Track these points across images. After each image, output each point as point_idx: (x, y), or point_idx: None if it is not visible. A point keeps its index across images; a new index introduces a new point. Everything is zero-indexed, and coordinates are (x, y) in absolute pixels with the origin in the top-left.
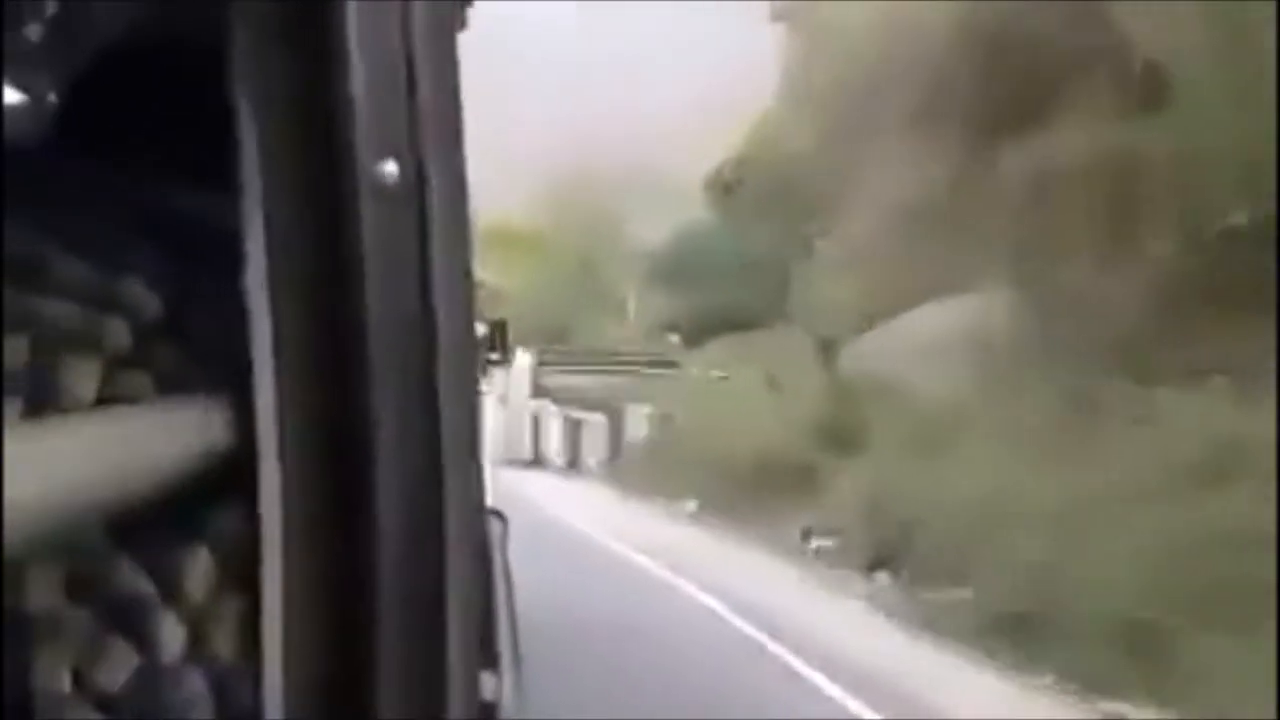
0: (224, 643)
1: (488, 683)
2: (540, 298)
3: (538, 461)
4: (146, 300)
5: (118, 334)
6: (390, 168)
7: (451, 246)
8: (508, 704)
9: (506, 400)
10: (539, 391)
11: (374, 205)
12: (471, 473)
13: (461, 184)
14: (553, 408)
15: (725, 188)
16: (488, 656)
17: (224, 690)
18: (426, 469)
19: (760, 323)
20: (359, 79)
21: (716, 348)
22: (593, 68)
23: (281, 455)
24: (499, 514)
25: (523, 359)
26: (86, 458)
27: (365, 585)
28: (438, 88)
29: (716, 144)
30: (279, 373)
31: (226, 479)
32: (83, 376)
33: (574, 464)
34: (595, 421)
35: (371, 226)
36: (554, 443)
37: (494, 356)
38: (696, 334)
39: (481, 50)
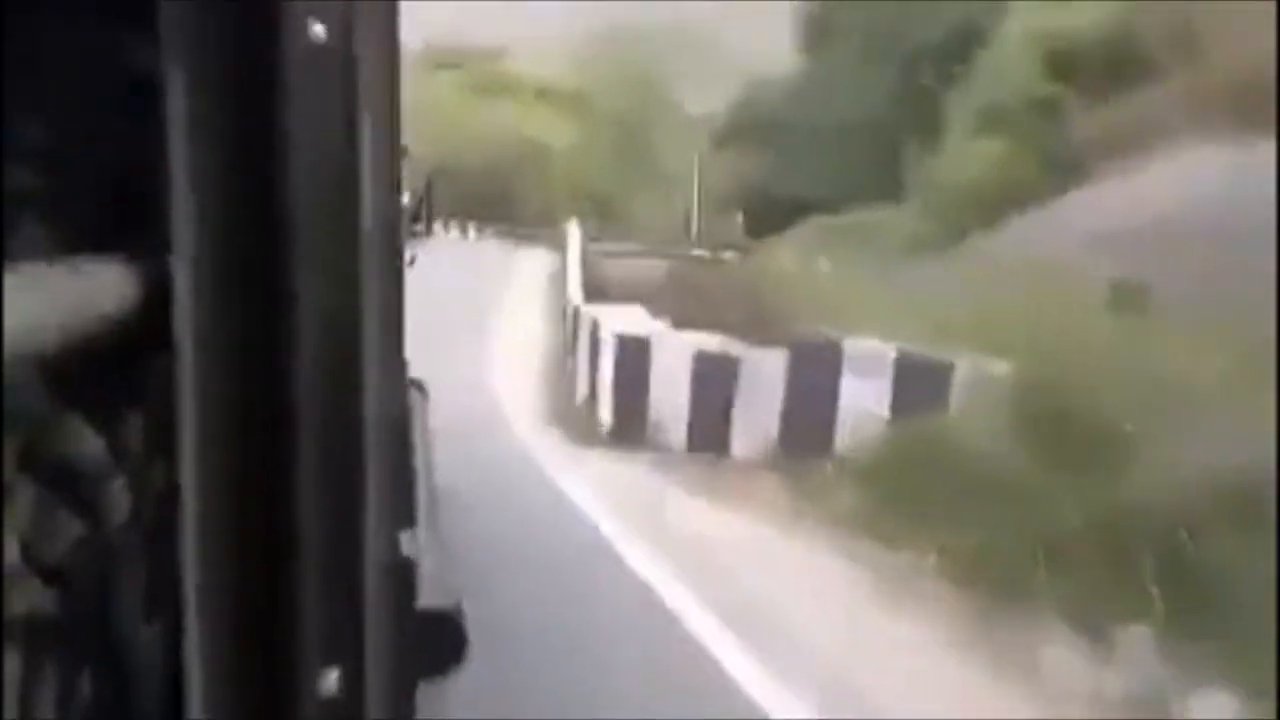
0: (153, 506)
1: (405, 540)
2: (582, 164)
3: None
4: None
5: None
6: (318, 29)
7: (379, 110)
8: (424, 561)
9: (538, 295)
10: (593, 289)
11: (301, 66)
12: (393, 340)
13: (393, 49)
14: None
15: (818, 32)
16: (406, 516)
17: (151, 554)
18: (347, 335)
19: (856, 203)
20: None
21: (803, 234)
22: None
23: (196, 321)
24: (419, 384)
25: (571, 236)
26: (29, 308)
27: (283, 440)
28: None
29: None
30: (199, 233)
31: (163, 333)
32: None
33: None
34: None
35: (298, 87)
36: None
37: (417, 227)
38: (773, 216)
39: None
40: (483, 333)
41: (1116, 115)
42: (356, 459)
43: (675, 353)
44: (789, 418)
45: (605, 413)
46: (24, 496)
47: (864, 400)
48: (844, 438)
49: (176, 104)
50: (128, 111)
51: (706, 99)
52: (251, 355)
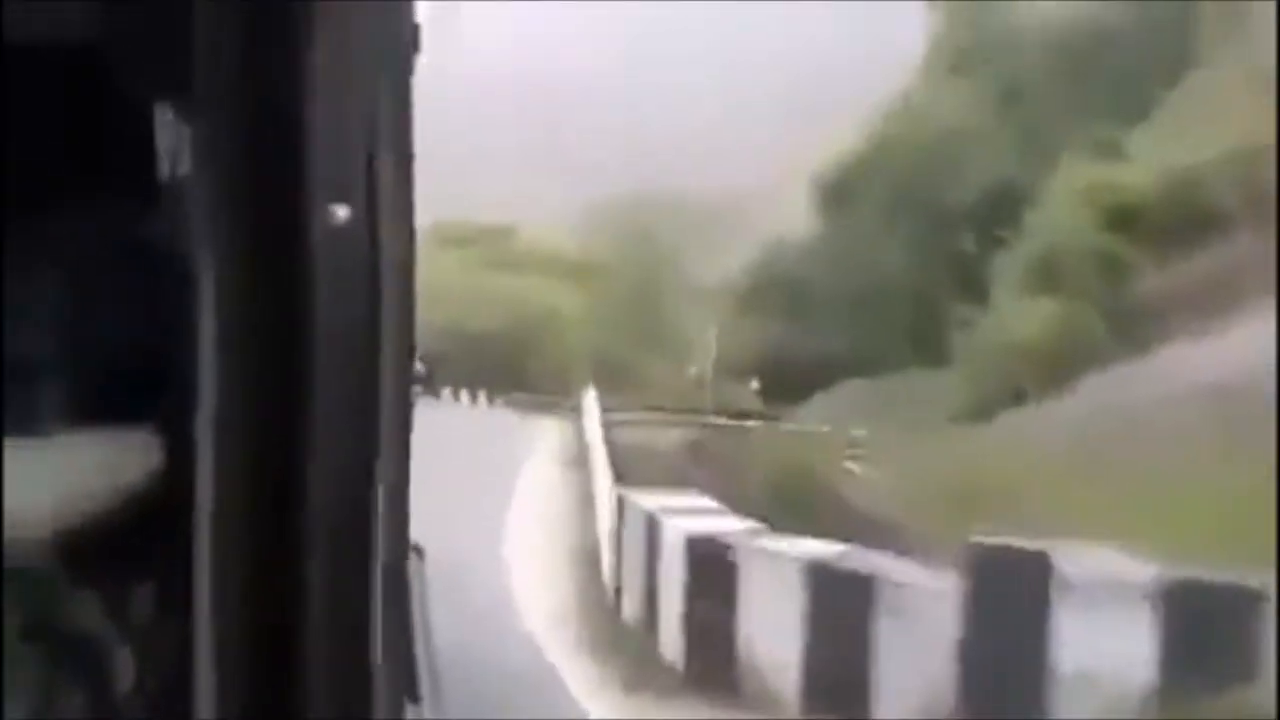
0: (163, 669)
1: (410, 713)
2: (592, 332)
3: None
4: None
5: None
6: (342, 211)
7: (397, 285)
8: None
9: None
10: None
11: (325, 244)
12: (400, 513)
13: (409, 227)
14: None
15: (837, 194)
16: (410, 690)
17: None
18: (358, 507)
19: (890, 368)
20: (317, 130)
21: (828, 401)
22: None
23: (217, 495)
24: (417, 549)
25: (589, 404)
26: (38, 485)
27: (295, 617)
28: (392, 140)
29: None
30: (224, 400)
31: (171, 506)
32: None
33: None
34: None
35: (322, 265)
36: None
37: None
38: (793, 382)
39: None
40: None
41: (1187, 273)
42: (364, 629)
43: (774, 564)
44: (969, 668)
45: (671, 643)
46: (32, 664)
47: (1101, 647)
48: (1069, 706)
49: (206, 282)
50: (157, 288)
51: (718, 265)
52: (268, 519)
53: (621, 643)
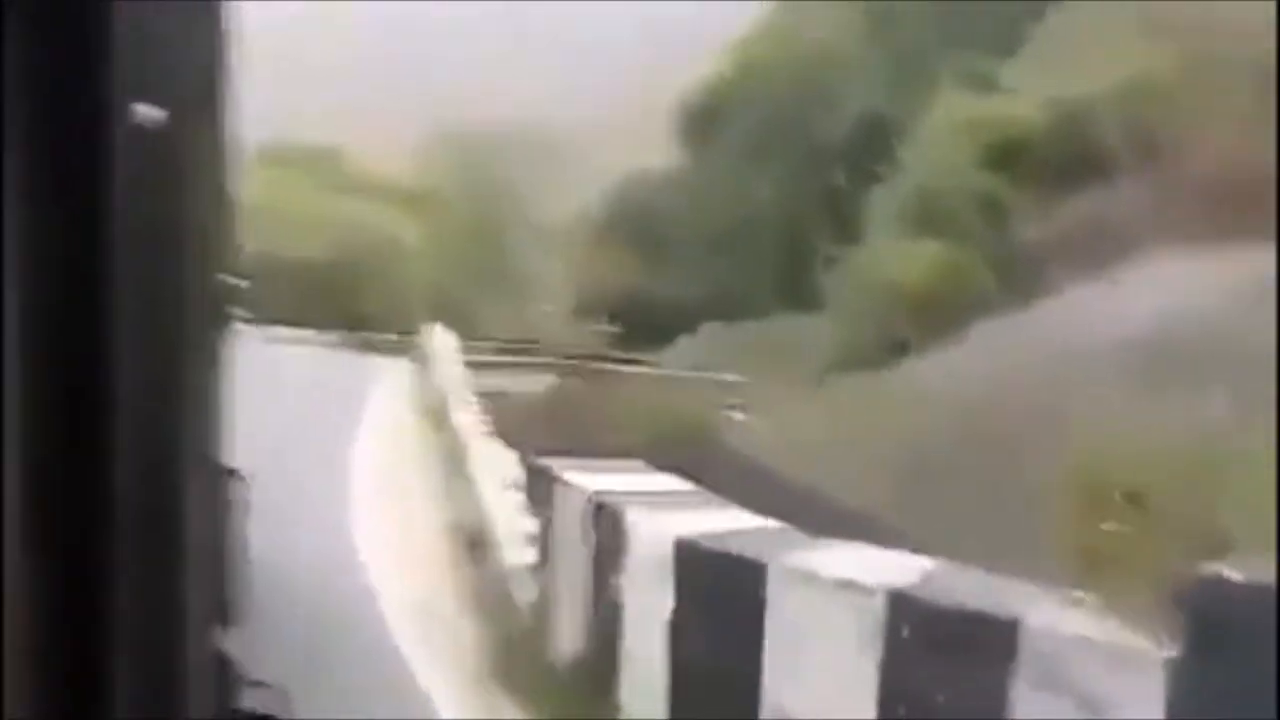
0: None
1: (224, 638)
2: (434, 268)
3: None
4: None
5: None
6: (147, 111)
7: (207, 193)
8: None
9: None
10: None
11: (129, 144)
12: (211, 432)
13: (223, 133)
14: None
15: (699, 124)
16: (225, 613)
17: None
18: (166, 429)
19: (758, 311)
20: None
21: (692, 346)
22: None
23: (22, 392)
24: (238, 473)
25: (440, 345)
26: None
27: (102, 540)
28: (207, 42)
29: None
30: (24, 306)
31: None
32: None
33: None
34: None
35: (127, 165)
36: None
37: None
38: (653, 324)
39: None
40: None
41: (1071, 216)
42: (176, 550)
43: (824, 597)
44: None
45: (636, 699)
46: None
47: None
48: None
49: (9, 182)
50: None
51: (572, 200)
52: (71, 421)
53: (546, 690)
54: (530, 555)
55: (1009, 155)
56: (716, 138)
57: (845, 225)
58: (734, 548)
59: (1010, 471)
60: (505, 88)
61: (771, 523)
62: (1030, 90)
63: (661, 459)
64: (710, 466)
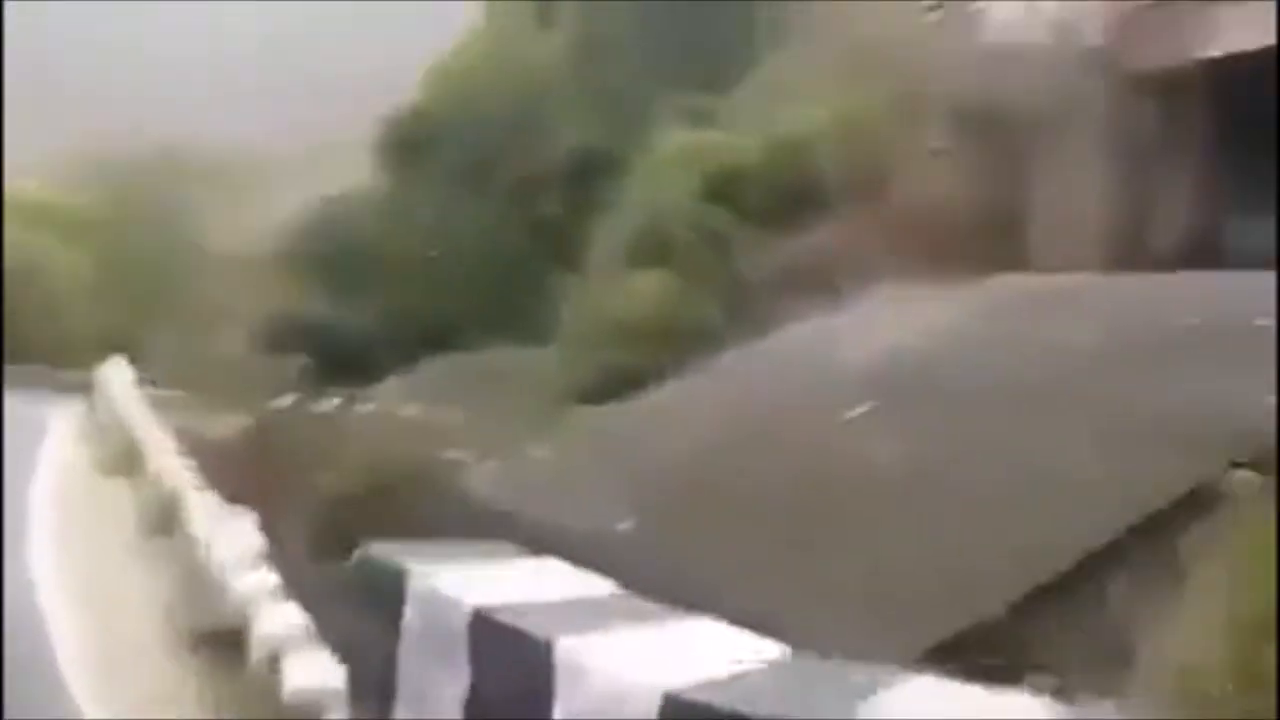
0: None
1: None
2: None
3: None
4: None
5: None
6: None
7: None
8: None
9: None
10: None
11: None
12: None
13: None
14: None
15: (401, 149)
16: None
17: None
18: None
19: (474, 344)
20: None
21: (405, 382)
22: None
23: None
24: None
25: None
26: None
27: None
28: None
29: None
30: None
31: None
32: None
33: None
34: None
35: None
36: None
37: None
38: (357, 362)
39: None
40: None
41: (793, 251)
42: None
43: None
44: None
45: None
46: None
47: None
48: None
49: None
50: None
51: (260, 228)
52: None
53: None
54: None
55: (730, 188)
56: (421, 164)
57: (566, 256)
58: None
59: (754, 500)
60: (185, 112)
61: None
62: (748, 126)
63: (383, 507)
64: (439, 513)
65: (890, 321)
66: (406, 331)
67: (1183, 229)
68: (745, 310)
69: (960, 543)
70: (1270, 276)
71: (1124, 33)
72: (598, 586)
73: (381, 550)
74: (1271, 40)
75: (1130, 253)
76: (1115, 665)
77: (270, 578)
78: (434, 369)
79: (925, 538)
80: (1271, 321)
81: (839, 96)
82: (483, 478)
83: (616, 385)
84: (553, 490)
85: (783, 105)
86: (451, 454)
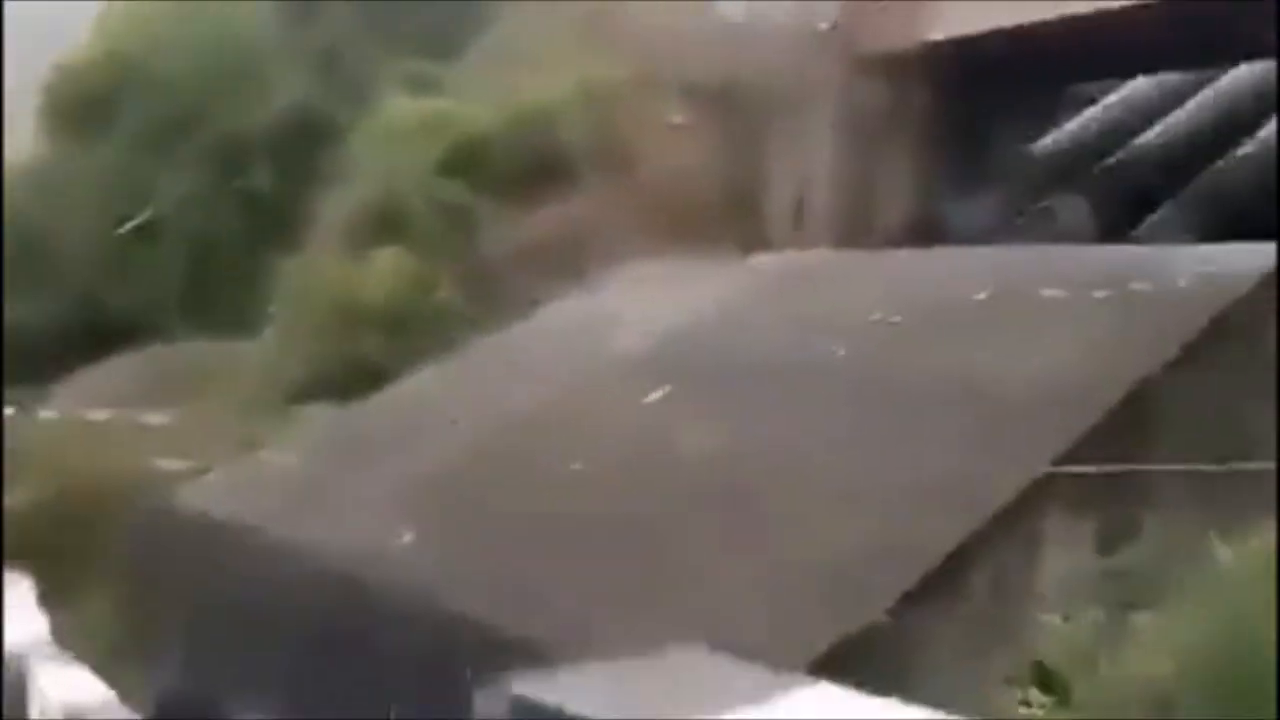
0: None
1: None
2: None
3: None
4: None
5: None
6: None
7: None
8: None
9: None
10: None
11: None
12: None
13: None
14: None
15: (74, 114)
16: None
17: None
18: None
19: (176, 335)
20: None
21: (93, 382)
22: None
23: None
24: None
25: None
26: None
27: None
28: None
29: None
30: None
31: None
32: None
33: None
34: None
35: None
36: None
37: None
38: (30, 362)
39: None
40: None
41: (539, 225)
42: None
43: None
44: None
45: None
46: None
47: None
48: None
49: None
50: None
51: None
52: None
53: None
54: None
55: (468, 160)
56: (97, 129)
57: (279, 233)
58: None
59: (562, 501)
60: None
61: None
62: (482, 95)
63: (83, 528)
64: (154, 533)
65: (657, 300)
66: (90, 323)
67: (907, 208)
68: (488, 290)
69: (822, 539)
70: (1043, 249)
71: (856, 14)
72: None
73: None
74: (992, 24)
75: (858, 231)
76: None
77: None
78: (126, 366)
79: (782, 536)
80: (1061, 292)
81: (575, 66)
82: (206, 490)
83: (351, 378)
84: (303, 502)
85: (514, 73)
86: (162, 463)
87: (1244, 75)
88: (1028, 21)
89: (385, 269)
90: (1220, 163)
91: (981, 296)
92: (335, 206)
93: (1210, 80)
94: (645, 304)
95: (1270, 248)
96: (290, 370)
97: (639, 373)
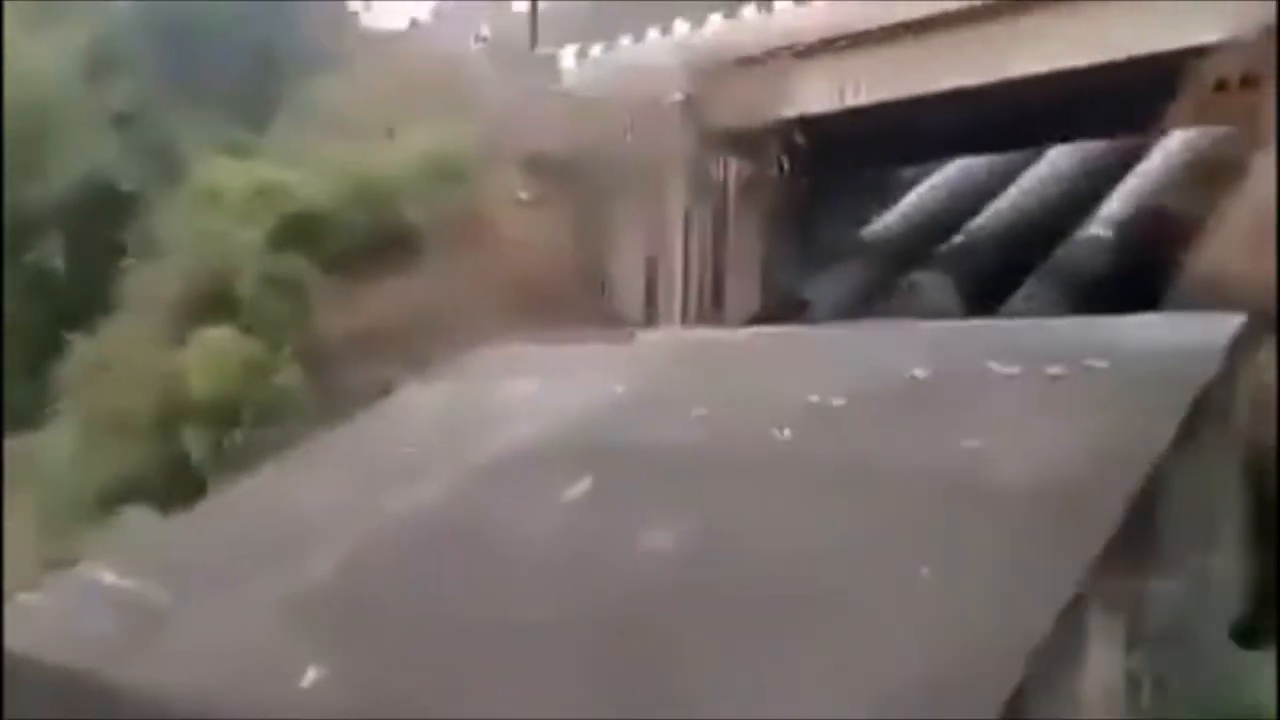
0: None
1: None
2: None
3: None
4: None
5: None
6: None
7: None
8: None
9: None
10: None
11: None
12: None
13: None
14: None
15: None
16: None
17: None
18: None
19: None
20: None
21: None
22: None
23: None
24: None
25: None
26: None
27: None
28: None
29: None
30: None
31: None
32: None
33: None
34: None
35: None
36: None
37: None
38: None
39: None
40: None
41: (381, 304)
42: None
43: None
44: None
45: None
46: None
47: None
48: None
49: None
50: None
51: None
52: None
53: None
54: None
55: (304, 233)
56: None
57: (76, 314)
58: None
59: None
60: None
61: None
62: (308, 164)
63: None
64: None
65: (539, 383)
66: None
67: (762, 284)
68: (331, 375)
69: (850, 661)
70: (959, 324)
71: (707, 87)
72: None
73: None
74: (840, 104)
75: (711, 308)
76: None
77: None
78: None
79: (796, 658)
80: (1013, 368)
81: (414, 136)
82: (16, 619)
83: (172, 479)
84: (151, 637)
85: (340, 142)
86: None
87: (1065, 154)
88: (873, 101)
89: (212, 352)
90: (1072, 239)
91: (921, 374)
92: (146, 283)
93: (1032, 160)
94: (524, 388)
95: (1223, 319)
96: (96, 472)
97: (543, 465)
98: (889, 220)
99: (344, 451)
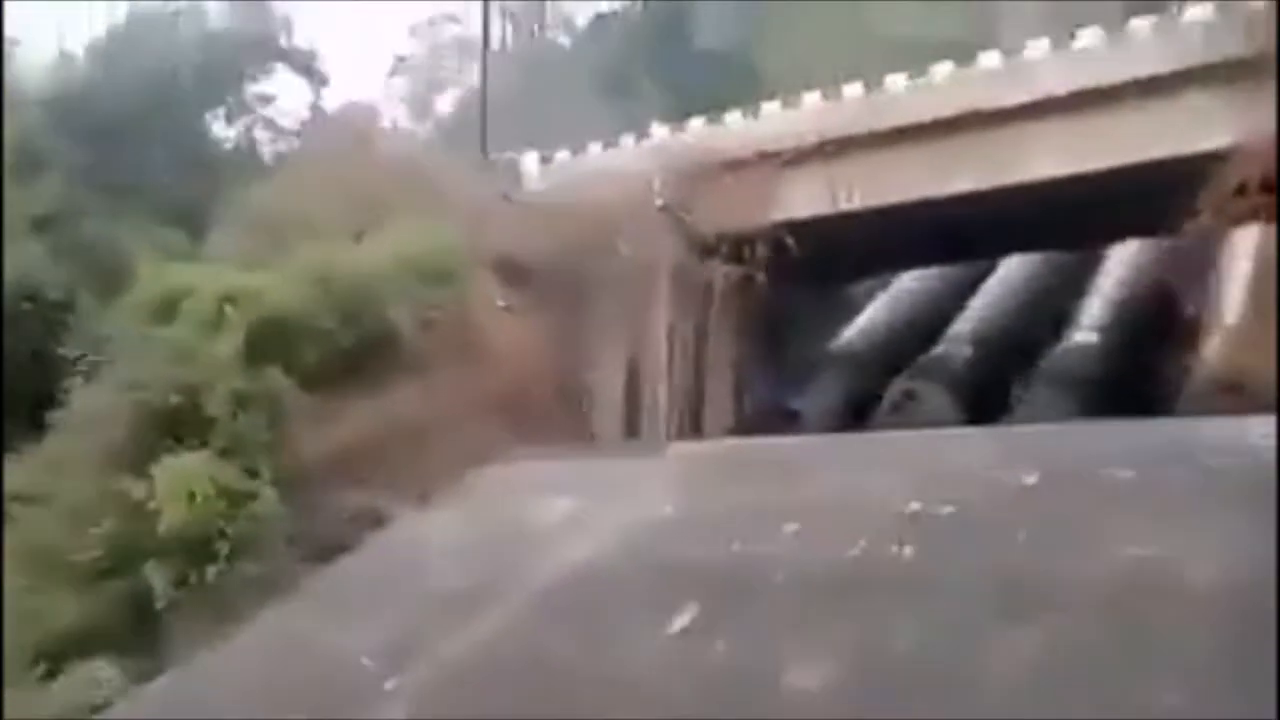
0: None
1: None
2: None
3: None
4: None
5: None
6: None
7: None
8: None
9: None
10: None
11: None
12: None
13: None
14: None
15: None
16: None
17: None
18: None
19: None
20: None
21: None
22: None
23: None
24: None
25: None
26: None
27: None
28: None
29: None
30: None
31: None
32: None
33: None
34: None
35: None
36: None
37: None
38: None
39: None
40: None
41: (366, 419)
42: None
43: None
44: None
45: None
46: None
47: None
48: None
49: None
50: None
51: None
52: None
53: None
54: None
55: (277, 342)
56: None
57: (13, 439)
58: None
59: None
60: None
61: None
62: (279, 266)
63: None
64: None
65: (566, 504)
66: None
67: (748, 394)
68: (311, 500)
69: None
70: (1036, 428)
71: (691, 193)
72: None
73: None
74: (822, 210)
75: (693, 419)
76: None
77: None
78: None
79: None
80: (1128, 472)
81: (376, 237)
82: None
83: (135, 625)
84: None
85: (296, 244)
86: None
87: (1020, 263)
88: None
89: (182, 478)
90: (1062, 345)
91: (1032, 481)
92: (91, 402)
93: (987, 272)
94: (557, 507)
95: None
96: (48, 621)
97: (620, 593)
98: (858, 330)
99: (353, 587)
